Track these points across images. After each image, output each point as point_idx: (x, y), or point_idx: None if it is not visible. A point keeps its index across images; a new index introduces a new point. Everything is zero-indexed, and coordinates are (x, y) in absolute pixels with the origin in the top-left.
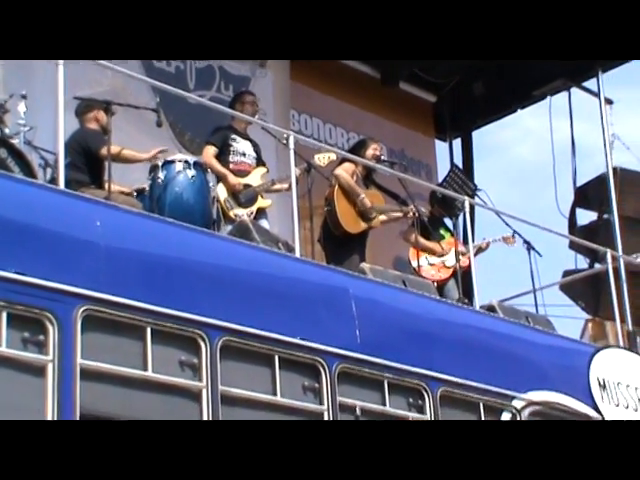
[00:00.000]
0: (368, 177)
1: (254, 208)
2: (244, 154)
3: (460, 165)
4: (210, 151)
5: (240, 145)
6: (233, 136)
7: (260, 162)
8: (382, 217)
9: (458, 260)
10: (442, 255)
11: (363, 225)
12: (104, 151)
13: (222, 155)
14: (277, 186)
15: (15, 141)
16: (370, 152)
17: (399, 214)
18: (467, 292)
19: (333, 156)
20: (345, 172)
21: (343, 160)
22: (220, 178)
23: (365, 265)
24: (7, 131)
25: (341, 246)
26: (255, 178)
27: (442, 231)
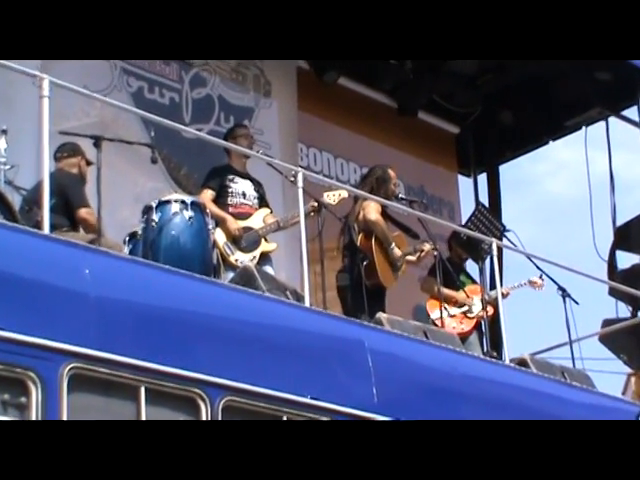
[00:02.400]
0: (384, 213)
1: (257, 253)
2: (244, 195)
3: (486, 203)
4: (207, 195)
5: (239, 185)
6: (230, 176)
7: (263, 203)
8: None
9: (485, 309)
10: (463, 305)
11: (395, 276)
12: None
13: (220, 198)
14: (290, 220)
15: None
16: (392, 188)
17: (417, 254)
18: (495, 344)
19: (344, 194)
20: (379, 214)
21: (356, 197)
22: (218, 222)
23: (382, 315)
24: None
25: (370, 298)
26: (257, 220)
27: (462, 277)
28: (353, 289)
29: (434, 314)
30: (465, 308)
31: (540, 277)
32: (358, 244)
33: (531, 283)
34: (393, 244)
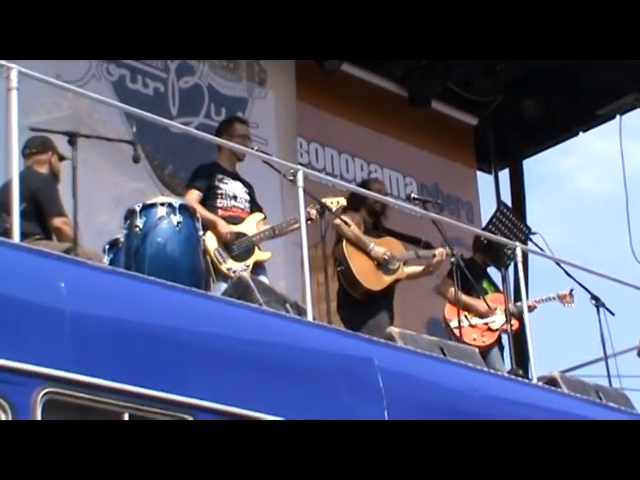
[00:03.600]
0: (377, 225)
1: (250, 261)
2: (235, 197)
3: (509, 202)
4: (193, 196)
5: (229, 187)
6: (220, 176)
7: (255, 207)
8: (410, 269)
9: (509, 322)
10: (486, 315)
11: (387, 279)
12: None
13: (208, 200)
14: (287, 227)
15: None
16: (371, 203)
17: (427, 260)
18: (521, 361)
19: (343, 201)
20: (347, 220)
21: (345, 208)
22: (208, 226)
23: (393, 329)
24: None
25: (364, 310)
26: (250, 226)
27: (485, 284)
28: (344, 305)
29: (454, 322)
30: (489, 319)
31: (570, 292)
32: (334, 253)
33: (560, 298)
34: (372, 245)
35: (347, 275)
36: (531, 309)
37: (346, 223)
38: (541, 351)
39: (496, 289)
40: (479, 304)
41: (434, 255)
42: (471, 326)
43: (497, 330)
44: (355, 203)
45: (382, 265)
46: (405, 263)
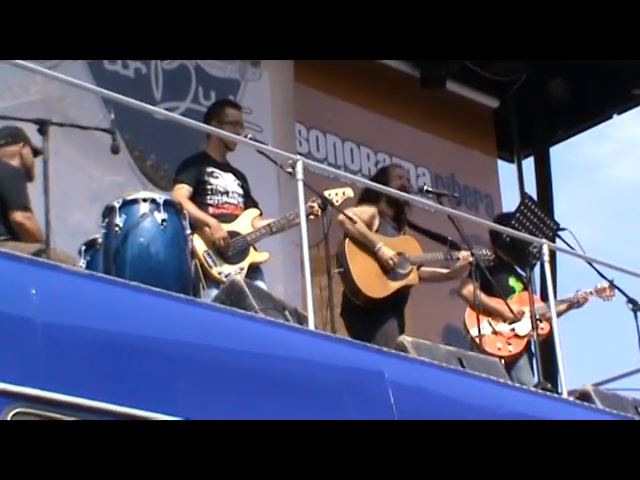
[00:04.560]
0: (399, 217)
1: (245, 264)
2: (227, 192)
3: (534, 195)
4: (182, 192)
5: (221, 180)
6: (210, 169)
7: (249, 201)
8: (429, 271)
9: (535, 328)
10: (513, 319)
11: (394, 285)
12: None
13: (197, 196)
14: (286, 223)
15: None
16: (396, 184)
17: (445, 265)
18: (550, 373)
19: (349, 192)
20: (354, 215)
21: (362, 199)
22: (197, 225)
23: (406, 339)
24: None
25: (369, 318)
26: (245, 224)
27: (512, 282)
28: (346, 310)
29: (475, 330)
30: (516, 324)
31: (611, 283)
32: (336, 252)
33: (599, 292)
34: (379, 244)
35: (346, 279)
36: (582, 302)
37: (350, 219)
38: (572, 361)
39: (525, 287)
40: (504, 308)
41: (457, 259)
42: (495, 333)
43: (525, 336)
44: (373, 192)
45: (387, 268)
46: (421, 266)
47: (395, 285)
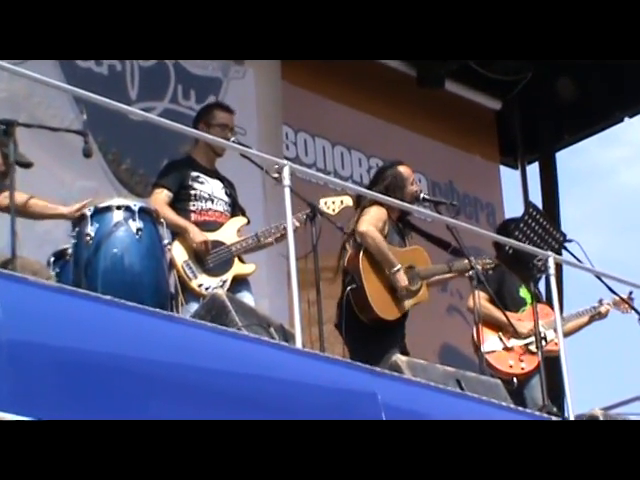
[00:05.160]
0: (403, 221)
1: (228, 276)
2: (212, 199)
3: (539, 204)
4: (161, 197)
5: (206, 186)
6: (194, 173)
7: (236, 209)
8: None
9: (540, 345)
10: (526, 334)
11: (405, 305)
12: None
13: (179, 202)
14: (267, 239)
15: None
16: (410, 189)
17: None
18: (556, 395)
19: (348, 200)
20: (375, 227)
21: (359, 201)
22: (177, 233)
23: (400, 358)
24: None
25: (372, 337)
26: (230, 233)
27: (523, 293)
28: (346, 325)
29: (488, 345)
30: (529, 339)
31: (629, 295)
32: (345, 264)
33: (617, 304)
34: (398, 266)
35: (358, 295)
36: (605, 314)
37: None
38: (579, 384)
39: (538, 298)
40: (518, 322)
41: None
42: (507, 349)
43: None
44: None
45: (398, 291)
46: (428, 279)
47: (407, 305)
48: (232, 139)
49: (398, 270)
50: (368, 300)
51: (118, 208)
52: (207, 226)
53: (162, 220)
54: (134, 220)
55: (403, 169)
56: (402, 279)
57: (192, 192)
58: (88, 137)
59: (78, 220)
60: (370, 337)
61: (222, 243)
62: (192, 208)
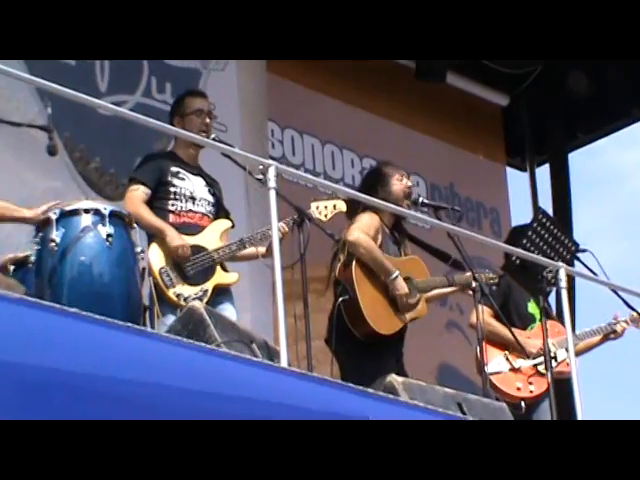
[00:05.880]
0: (398, 228)
1: (209, 285)
2: (193, 198)
3: (549, 210)
4: (137, 195)
5: (187, 183)
6: (174, 169)
7: (221, 211)
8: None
9: (550, 365)
10: (535, 354)
11: (402, 319)
12: None
13: (157, 201)
14: (249, 250)
15: None
16: (397, 187)
17: (452, 288)
18: (566, 419)
19: (341, 205)
20: (366, 234)
21: (352, 207)
22: (154, 236)
23: (395, 379)
24: None
25: (366, 354)
26: (212, 237)
27: (531, 308)
28: (337, 340)
29: (492, 365)
30: (538, 360)
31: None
32: (337, 274)
33: (634, 321)
34: (395, 273)
35: (351, 307)
36: (621, 333)
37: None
38: (593, 407)
39: (548, 314)
40: (527, 341)
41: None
42: (514, 370)
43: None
44: (375, 196)
45: (397, 301)
46: (427, 292)
47: (404, 319)
48: (212, 137)
49: (396, 277)
50: (362, 312)
51: (86, 212)
52: (187, 229)
53: (135, 225)
54: (104, 225)
55: (387, 166)
56: (402, 286)
57: (171, 189)
58: (53, 133)
59: (42, 224)
60: (363, 354)
61: (203, 248)
62: (170, 208)
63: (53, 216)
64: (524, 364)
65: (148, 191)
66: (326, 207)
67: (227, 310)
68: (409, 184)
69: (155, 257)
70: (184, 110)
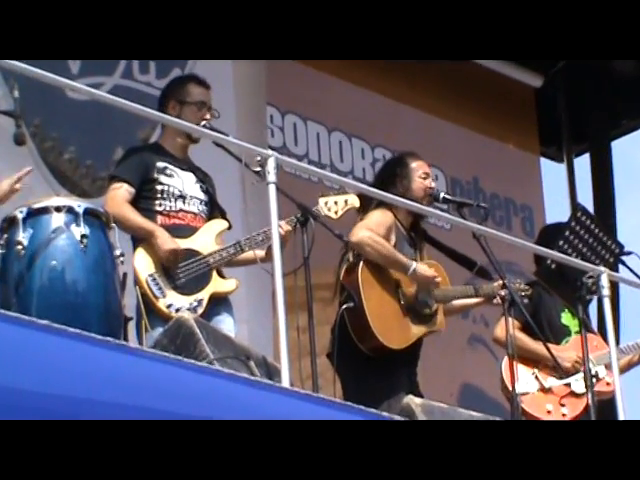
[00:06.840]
0: (415, 228)
1: (204, 295)
2: (183, 196)
3: (590, 206)
4: (120, 193)
5: (176, 180)
6: (162, 164)
7: (215, 210)
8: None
9: (590, 384)
10: (567, 372)
11: (416, 331)
12: None
13: (142, 200)
14: (246, 254)
15: None
16: (419, 184)
17: (477, 299)
18: None
19: (354, 200)
20: (373, 232)
21: (365, 202)
22: (140, 240)
23: (413, 400)
24: None
25: (373, 371)
26: (206, 240)
27: (565, 319)
28: (339, 354)
29: (520, 385)
30: (571, 378)
31: None
32: (341, 277)
33: None
34: (413, 264)
35: (356, 316)
36: (638, 361)
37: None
38: None
39: (584, 325)
40: (559, 354)
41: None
42: (544, 390)
43: (584, 395)
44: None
45: (413, 309)
46: (447, 302)
47: (418, 332)
48: (202, 123)
49: (415, 268)
50: (368, 322)
51: (58, 210)
52: (178, 231)
53: (113, 225)
54: (78, 225)
55: (411, 159)
56: (426, 270)
57: (158, 187)
58: (21, 120)
59: (7, 225)
60: (371, 371)
61: (197, 253)
62: (158, 208)
63: (20, 215)
64: (555, 384)
65: (132, 190)
66: (336, 203)
67: (225, 322)
68: (432, 185)
69: (142, 264)
70: (184, 97)
